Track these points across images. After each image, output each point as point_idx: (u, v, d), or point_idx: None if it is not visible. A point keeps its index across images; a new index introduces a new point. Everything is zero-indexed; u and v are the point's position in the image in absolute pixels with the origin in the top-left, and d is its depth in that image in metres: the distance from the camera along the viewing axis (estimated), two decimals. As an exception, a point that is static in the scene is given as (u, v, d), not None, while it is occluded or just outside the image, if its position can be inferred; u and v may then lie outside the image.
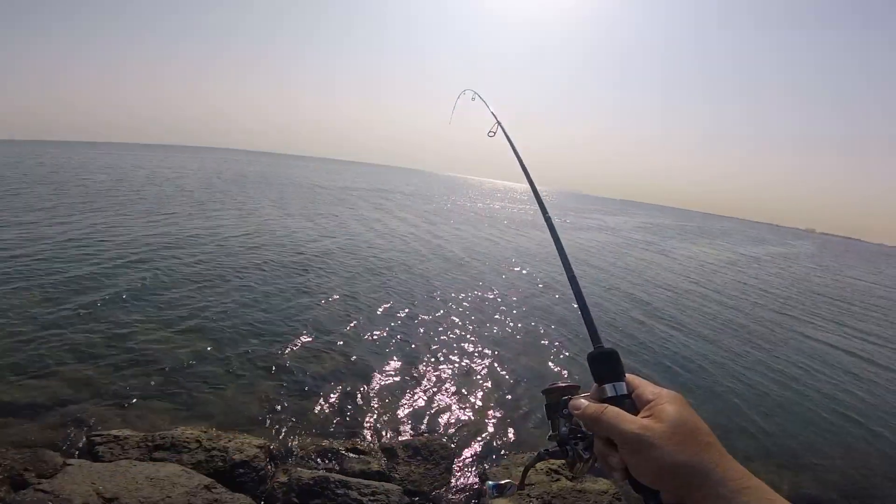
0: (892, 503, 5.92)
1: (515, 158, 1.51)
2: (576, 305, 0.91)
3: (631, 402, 0.70)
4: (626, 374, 0.73)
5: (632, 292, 15.03)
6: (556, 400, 0.82)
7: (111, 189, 24.13)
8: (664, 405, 0.66)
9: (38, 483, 3.24)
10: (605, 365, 0.74)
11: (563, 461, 0.80)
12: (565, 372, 8.01)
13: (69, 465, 3.63)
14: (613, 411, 0.68)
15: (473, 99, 2.21)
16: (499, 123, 1.69)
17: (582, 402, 0.74)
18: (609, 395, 0.71)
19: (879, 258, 70.75)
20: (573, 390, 0.81)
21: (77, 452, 4.17)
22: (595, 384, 0.74)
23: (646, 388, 0.70)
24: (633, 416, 0.66)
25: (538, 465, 5.02)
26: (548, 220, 1.16)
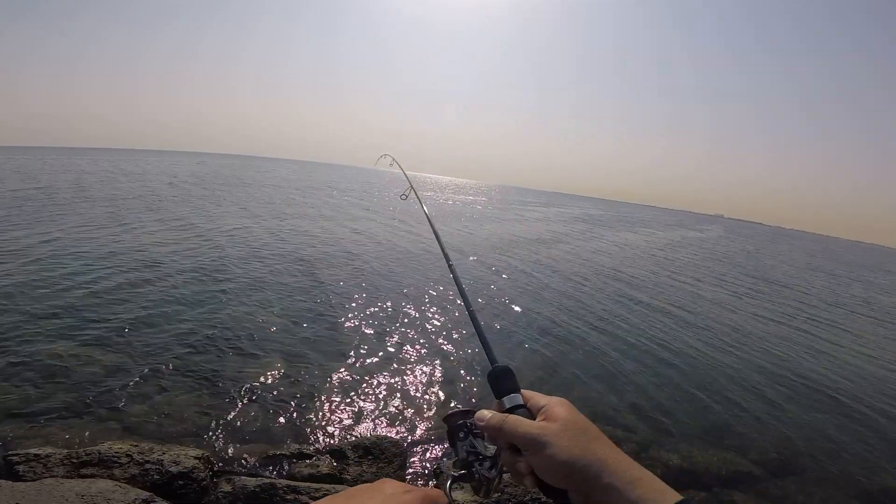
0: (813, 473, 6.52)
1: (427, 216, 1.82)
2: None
3: (527, 411, 0.77)
4: (521, 389, 0.81)
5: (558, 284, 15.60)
6: (457, 424, 0.84)
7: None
8: (555, 408, 0.73)
9: (-48, 508, 2.91)
10: (502, 380, 0.82)
11: (471, 484, 0.79)
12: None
13: (-14, 487, 3.28)
14: (514, 418, 0.74)
15: (391, 165, 2.60)
16: (412, 187, 1.93)
17: (486, 413, 0.79)
18: (507, 406, 0.79)
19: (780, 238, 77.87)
20: (470, 414, 0.83)
21: (-7, 474, 3.77)
22: (496, 400, 0.82)
23: (537, 397, 0.78)
24: (531, 420, 0.73)
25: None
26: (451, 266, 1.35)
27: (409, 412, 6.18)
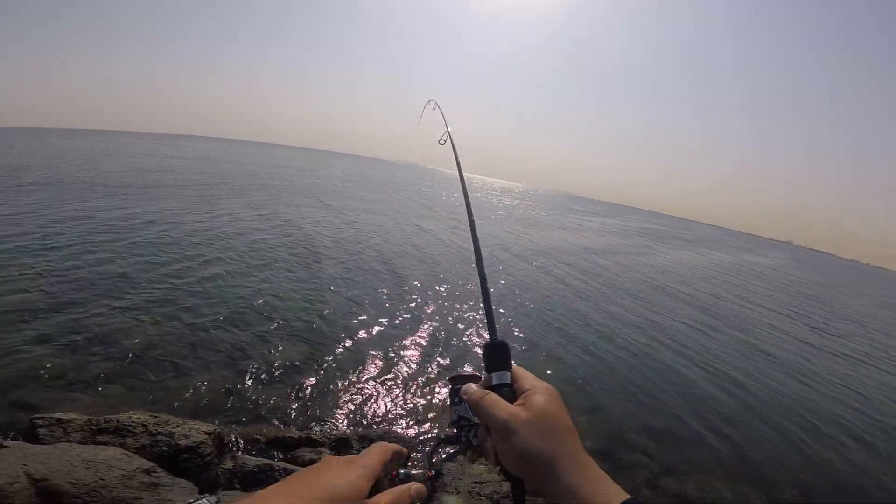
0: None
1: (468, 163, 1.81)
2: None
3: (511, 391, 0.75)
4: (514, 366, 0.78)
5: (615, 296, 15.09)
6: (455, 388, 0.84)
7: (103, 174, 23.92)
8: (535, 395, 0.71)
9: (-35, 463, 3.20)
10: (494, 355, 0.79)
11: (457, 447, 0.83)
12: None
13: (5, 446, 3.59)
14: (492, 398, 0.72)
15: (434, 109, 2.56)
16: (448, 133, 1.92)
17: (471, 387, 0.77)
18: (494, 382, 0.77)
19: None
20: (475, 379, 0.83)
21: (17, 435, 4.13)
22: (485, 374, 0.80)
23: (526, 379, 0.75)
24: (507, 404, 0.71)
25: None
26: (471, 223, 1.25)
27: (421, 408, 6.20)
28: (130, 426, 4.36)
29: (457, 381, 0.85)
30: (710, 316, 15.15)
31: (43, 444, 3.86)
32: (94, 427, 4.26)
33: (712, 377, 9.45)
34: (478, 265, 1.03)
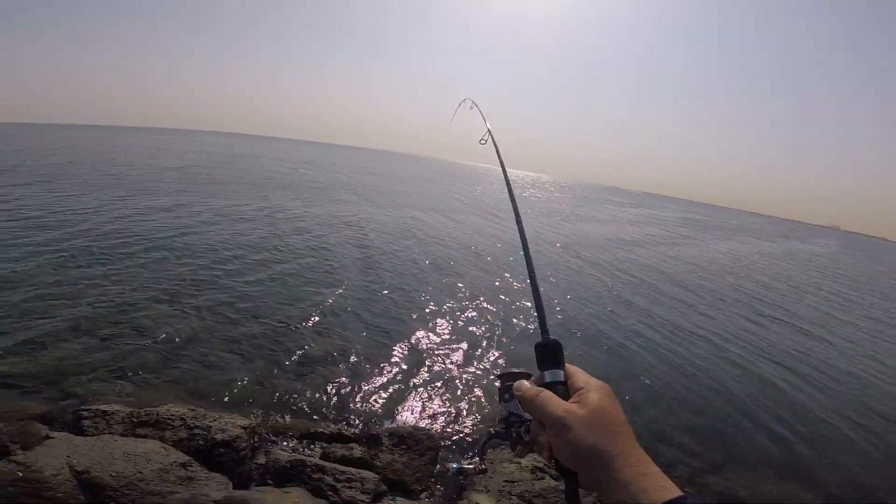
0: None
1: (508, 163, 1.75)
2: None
3: (565, 389, 0.77)
4: (567, 365, 0.80)
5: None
6: (506, 385, 0.87)
7: (154, 170, 24.88)
8: (590, 393, 0.73)
9: (15, 454, 3.36)
10: (547, 354, 0.81)
11: (508, 442, 0.86)
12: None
13: (52, 437, 3.76)
14: (546, 395, 0.75)
15: (472, 108, 2.51)
16: (489, 132, 1.89)
17: (524, 384, 0.81)
18: (547, 380, 0.79)
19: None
20: (524, 376, 0.85)
21: (63, 426, 4.31)
22: (538, 371, 0.82)
23: (579, 377, 0.77)
24: (561, 401, 0.73)
25: (522, 462, 4.99)
26: (518, 222, 1.25)
27: (454, 407, 6.18)
28: (169, 419, 4.50)
29: (506, 378, 0.87)
30: (761, 308, 14.63)
31: (87, 435, 4.02)
32: (135, 419, 4.42)
33: (763, 372, 9.09)
34: (528, 265, 1.05)
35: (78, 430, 4.11)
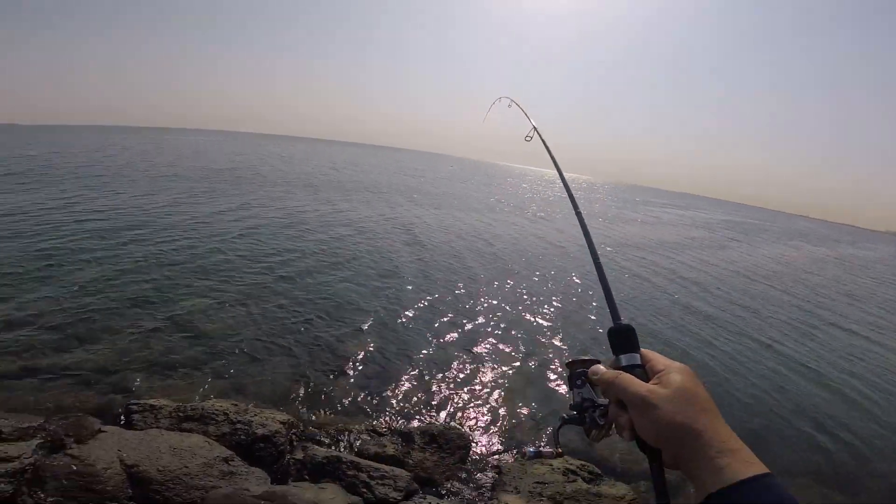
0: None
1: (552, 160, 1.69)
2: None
3: (643, 371, 0.79)
4: (641, 348, 0.82)
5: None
6: (577, 371, 0.88)
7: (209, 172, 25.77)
8: (672, 374, 0.74)
9: (71, 448, 3.58)
10: (622, 338, 0.83)
11: (581, 427, 0.87)
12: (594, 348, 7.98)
13: (104, 431, 3.98)
14: (626, 376, 0.77)
15: (510, 106, 2.38)
16: (535, 129, 1.83)
17: (600, 368, 0.84)
18: (623, 364, 0.81)
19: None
20: (593, 363, 0.88)
21: (115, 420, 4.56)
22: (613, 355, 0.84)
23: (658, 360, 0.79)
24: (643, 382, 0.75)
25: (554, 464, 4.98)
26: (578, 213, 1.30)
27: (485, 406, 6.20)
28: (213, 414, 4.69)
29: (575, 365, 0.89)
30: (819, 315, 14.07)
31: (136, 429, 4.24)
32: (181, 414, 4.63)
33: (822, 378, 8.78)
34: (591, 253, 1.08)
35: (128, 424, 4.35)
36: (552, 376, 7.11)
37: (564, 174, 1.54)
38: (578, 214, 1.28)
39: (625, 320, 0.86)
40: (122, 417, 4.53)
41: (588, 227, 1.15)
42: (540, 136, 1.78)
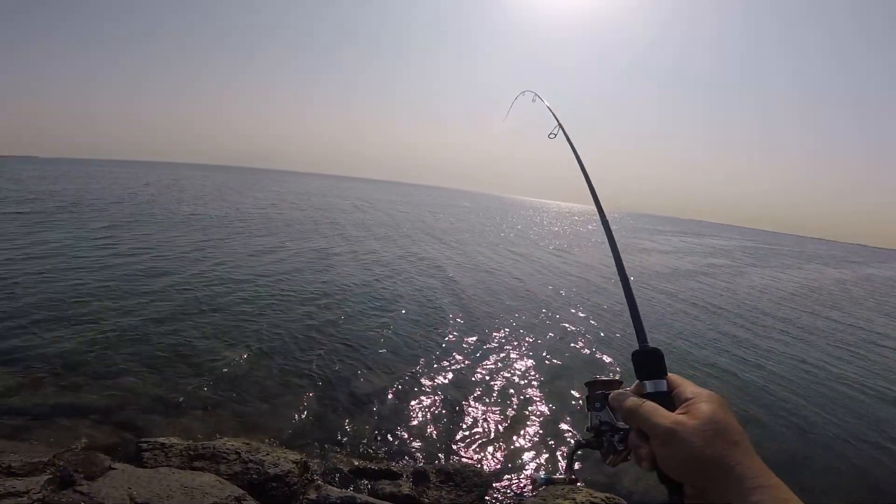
0: None
1: (576, 161, 1.52)
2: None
3: (669, 399, 0.73)
4: (669, 374, 0.77)
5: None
6: (597, 393, 0.84)
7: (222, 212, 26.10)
8: (700, 404, 0.69)
9: (81, 484, 3.48)
10: (648, 363, 0.78)
11: (598, 452, 0.84)
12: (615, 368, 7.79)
13: (114, 468, 3.88)
14: (651, 406, 0.72)
15: (534, 101, 2.18)
16: (560, 125, 1.70)
17: (625, 394, 0.78)
18: (648, 390, 0.76)
19: None
20: (615, 385, 0.83)
21: (125, 457, 4.45)
22: (637, 380, 0.78)
23: (686, 387, 0.74)
24: (668, 412, 0.70)
25: (577, 497, 4.77)
26: (605, 222, 1.22)
27: (501, 443, 6.03)
28: (225, 453, 4.58)
29: (595, 386, 0.85)
30: (859, 336, 14.00)
31: (146, 467, 4.13)
32: (192, 452, 4.51)
33: (871, 400, 8.60)
34: (619, 272, 1.02)
35: (138, 462, 4.24)
36: (573, 403, 6.99)
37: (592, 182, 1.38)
38: (606, 225, 1.21)
39: (651, 344, 0.81)
40: (133, 455, 4.42)
41: (615, 237, 1.09)
42: (564, 132, 1.67)
